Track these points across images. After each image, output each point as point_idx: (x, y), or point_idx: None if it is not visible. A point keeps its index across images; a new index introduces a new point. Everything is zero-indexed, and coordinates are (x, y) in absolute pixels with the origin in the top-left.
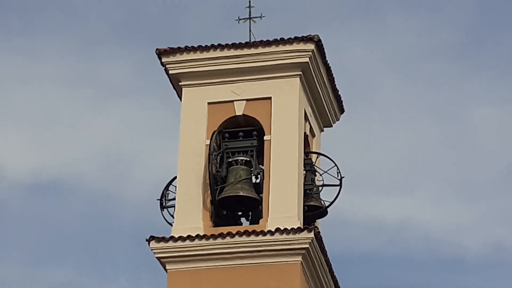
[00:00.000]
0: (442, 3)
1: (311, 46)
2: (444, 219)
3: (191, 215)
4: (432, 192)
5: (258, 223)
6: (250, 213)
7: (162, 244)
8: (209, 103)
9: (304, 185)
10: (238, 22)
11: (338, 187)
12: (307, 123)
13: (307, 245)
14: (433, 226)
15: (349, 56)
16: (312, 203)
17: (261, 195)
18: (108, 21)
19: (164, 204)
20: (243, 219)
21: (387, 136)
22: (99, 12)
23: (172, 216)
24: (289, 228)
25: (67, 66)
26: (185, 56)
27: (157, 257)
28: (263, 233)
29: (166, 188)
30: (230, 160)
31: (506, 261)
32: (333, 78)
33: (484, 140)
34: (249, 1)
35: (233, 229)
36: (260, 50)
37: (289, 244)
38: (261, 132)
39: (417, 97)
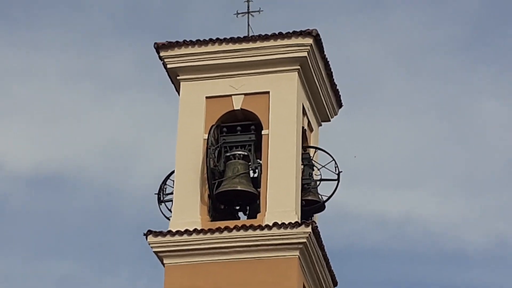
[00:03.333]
0: None
1: (309, 41)
2: (447, 214)
3: (188, 209)
4: (434, 187)
5: (255, 217)
6: (248, 208)
7: (159, 239)
8: (207, 97)
9: (301, 179)
10: (237, 16)
11: (336, 182)
12: (305, 117)
13: (305, 240)
14: (436, 221)
15: (352, 51)
16: (309, 198)
17: (258, 189)
18: (110, 15)
19: (161, 198)
20: (240, 214)
21: (389, 130)
22: (101, 6)
23: (170, 210)
24: (286, 223)
25: (69, 60)
26: (183, 50)
27: (154, 252)
28: (260, 227)
29: (164, 182)
30: (228, 154)
31: (508, 255)
32: (332, 72)
33: (488, 134)
34: None
35: (231, 223)
36: (259, 44)
37: (286, 239)
38: (259, 127)
39: (420, 91)
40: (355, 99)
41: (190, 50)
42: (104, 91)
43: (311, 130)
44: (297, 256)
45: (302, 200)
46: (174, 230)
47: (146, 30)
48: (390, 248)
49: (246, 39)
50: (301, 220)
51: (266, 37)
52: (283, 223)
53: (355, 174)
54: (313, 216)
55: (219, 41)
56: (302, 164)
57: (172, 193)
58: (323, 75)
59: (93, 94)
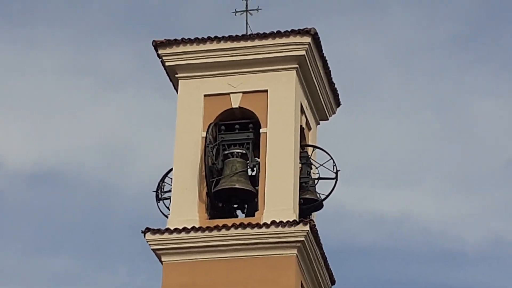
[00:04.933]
0: None
1: (307, 39)
2: (444, 213)
3: (186, 207)
4: (432, 186)
5: (253, 215)
6: (246, 206)
7: (157, 236)
8: (205, 95)
9: (300, 178)
10: (235, 15)
11: (334, 180)
12: (303, 116)
13: (303, 238)
14: (433, 220)
15: (349, 49)
16: (307, 196)
17: (256, 187)
18: (108, 11)
19: (160, 196)
20: (238, 212)
21: (386, 129)
22: (99, 3)
23: (168, 208)
24: (284, 221)
25: (67, 57)
26: (182, 48)
27: (152, 249)
28: (258, 225)
29: (162, 180)
30: (226, 152)
31: (505, 254)
32: (330, 71)
33: (484, 133)
34: None
35: (229, 221)
36: (257, 42)
37: (284, 237)
38: (257, 125)
39: (416, 90)
40: (353, 98)
41: (188, 48)
42: (102, 88)
43: (309, 128)
44: (295, 255)
45: (300, 198)
46: (172, 228)
47: (144, 28)
48: (388, 246)
49: (245, 37)
50: (299, 219)
51: (264, 36)
52: (281, 222)
53: (353, 173)
54: (311, 214)
55: (218, 39)
56: (300, 163)
57: (170, 191)
58: (321, 74)
59: (91, 91)
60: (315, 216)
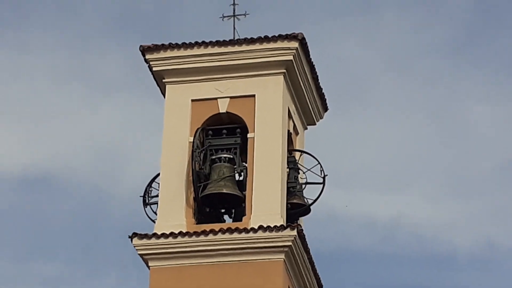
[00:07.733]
0: (438, 0)
1: (295, 44)
2: (436, 217)
3: (174, 212)
4: (424, 190)
5: (241, 220)
6: (233, 211)
7: (144, 241)
8: (192, 100)
9: (287, 183)
10: (223, 20)
11: (322, 185)
12: (291, 121)
13: (290, 243)
14: (425, 224)
15: (340, 54)
16: (295, 201)
17: (244, 192)
18: (100, 17)
19: (147, 201)
20: (226, 217)
21: (377, 133)
22: (91, 8)
23: (155, 213)
24: (272, 226)
25: (58, 61)
26: (169, 53)
27: (139, 254)
28: (246, 230)
29: (149, 185)
30: (214, 157)
31: (497, 259)
32: (317, 76)
33: (478, 137)
34: None
35: (216, 226)
36: (244, 47)
37: (272, 242)
38: (244, 130)
39: (408, 94)
40: (341, 102)
41: (175, 53)
42: (93, 93)
43: (297, 133)
44: (282, 259)
45: (287, 203)
46: (159, 233)
47: (134, 33)
48: (380, 251)
49: (232, 42)
50: (286, 224)
51: (252, 41)
52: (268, 226)
53: (342, 177)
54: (298, 219)
55: (205, 44)
56: (287, 168)
57: (157, 196)
58: (309, 79)
59: (81, 95)
60: (303, 221)
